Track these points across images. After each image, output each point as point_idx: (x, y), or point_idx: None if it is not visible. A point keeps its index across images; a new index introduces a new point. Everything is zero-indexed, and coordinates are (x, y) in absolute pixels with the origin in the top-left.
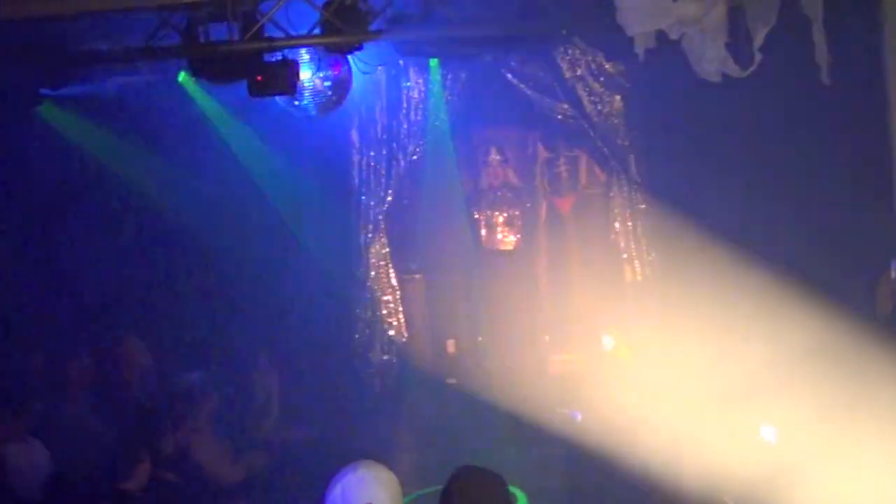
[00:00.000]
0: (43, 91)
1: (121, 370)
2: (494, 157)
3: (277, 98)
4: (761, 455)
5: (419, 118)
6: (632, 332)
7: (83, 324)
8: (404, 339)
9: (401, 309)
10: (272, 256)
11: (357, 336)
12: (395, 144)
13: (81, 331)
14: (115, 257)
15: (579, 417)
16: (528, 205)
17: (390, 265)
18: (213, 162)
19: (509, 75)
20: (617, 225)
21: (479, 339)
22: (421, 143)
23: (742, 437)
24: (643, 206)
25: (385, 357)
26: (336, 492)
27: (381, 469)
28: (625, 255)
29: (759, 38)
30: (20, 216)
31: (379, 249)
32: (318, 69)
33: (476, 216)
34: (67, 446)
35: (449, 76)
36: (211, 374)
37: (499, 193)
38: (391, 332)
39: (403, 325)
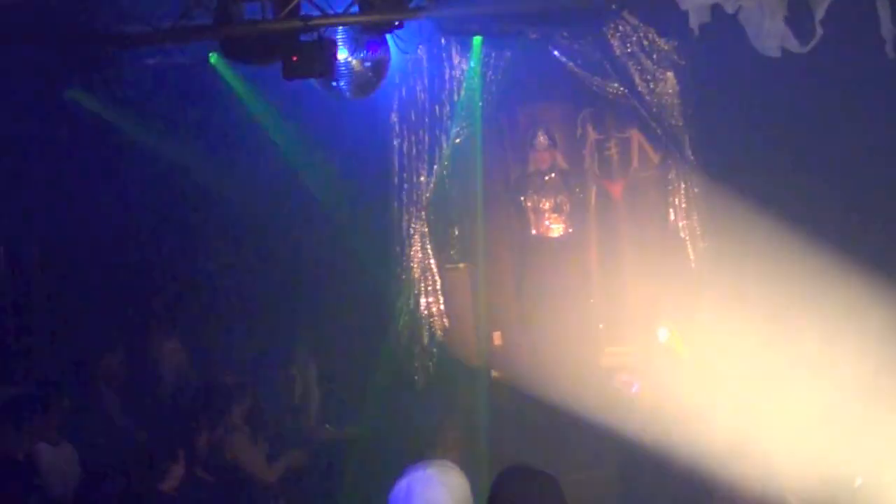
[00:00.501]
0: (73, 76)
1: (155, 366)
2: (542, 139)
3: (313, 80)
4: (826, 452)
5: (462, 99)
6: (688, 323)
7: (116, 317)
8: (448, 332)
9: (443, 300)
10: (309, 246)
11: (398, 328)
12: (437, 128)
13: (114, 324)
14: (149, 249)
15: (637, 388)
16: (577, 189)
17: (432, 254)
18: (247, 149)
19: (556, 52)
20: (671, 209)
21: (528, 330)
22: (464, 125)
23: (807, 433)
24: (698, 189)
25: (427, 350)
26: (402, 485)
27: (451, 472)
28: (680, 241)
29: (820, 11)
30: (57, 206)
31: (420, 238)
32: (356, 49)
33: (523, 202)
34: (97, 445)
35: (493, 55)
36: (247, 371)
37: (546, 178)
38: (434, 324)
39: (446, 316)
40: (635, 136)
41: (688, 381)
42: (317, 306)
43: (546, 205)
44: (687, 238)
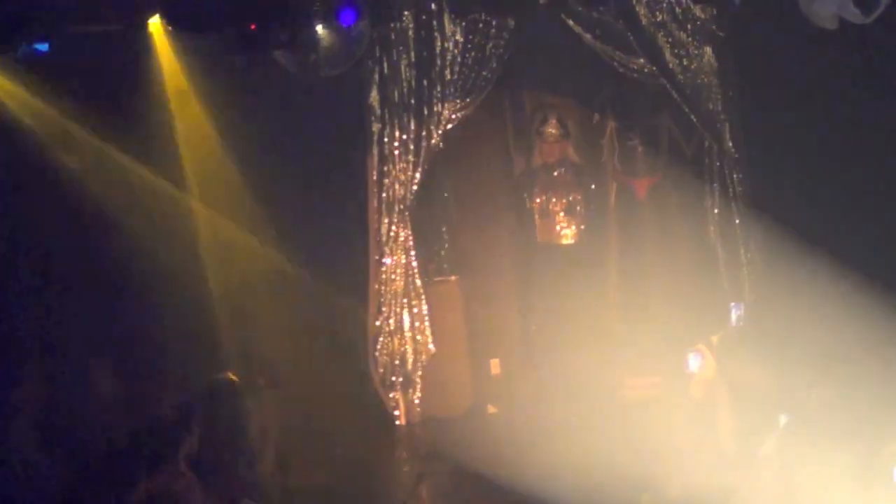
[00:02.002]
0: None
1: (80, 400)
2: (551, 127)
3: (276, 53)
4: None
5: (456, 78)
6: (727, 350)
7: (33, 342)
8: (435, 358)
9: (430, 320)
10: (263, 255)
11: (375, 354)
12: (425, 111)
13: (30, 350)
14: (74, 260)
15: (697, 364)
16: (594, 187)
17: (417, 265)
18: (184, 140)
19: (570, 22)
20: (707, 212)
21: (532, 357)
22: (458, 109)
23: (874, 482)
24: (741, 188)
25: (410, 380)
26: None
27: None
28: (718, 251)
29: None
30: None
31: (403, 245)
32: (328, 15)
33: (528, 202)
34: (9, 491)
35: (494, 24)
36: (194, 405)
37: (556, 173)
38: (418, 350)
39: (433, 340)
40: (665, 123)
41: (726, 421)
42: (275, 327)
43: (556, 206)
44: (729, 247)
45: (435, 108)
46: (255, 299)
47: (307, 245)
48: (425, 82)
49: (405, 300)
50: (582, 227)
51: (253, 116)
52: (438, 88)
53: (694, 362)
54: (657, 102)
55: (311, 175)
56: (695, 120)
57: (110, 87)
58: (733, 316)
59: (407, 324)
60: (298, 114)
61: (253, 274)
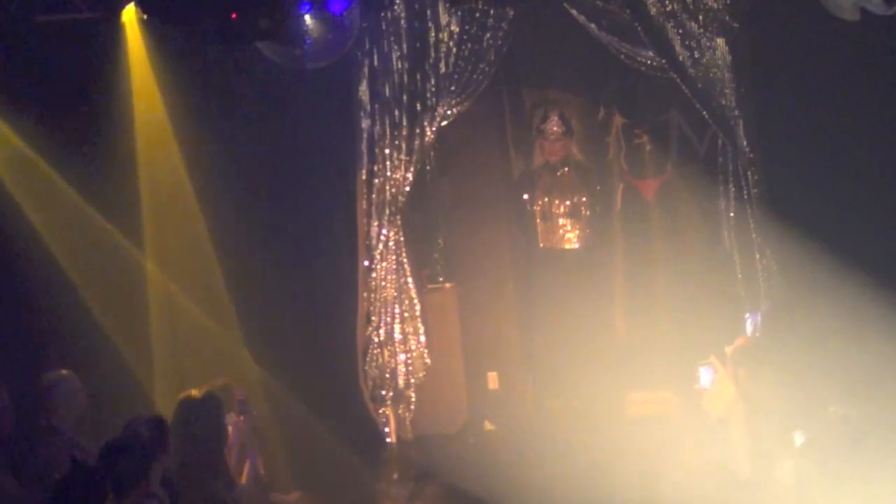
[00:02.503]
0: None
1: (47, 414)
2: (553, 124)
3: (259, 44)
4: None
5: (451, 71)
6: (741, 363)
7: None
8: (429, 372)
9: (423, 330)
10: (245, 260)
11: (364, 367)
12: (418, 106)
13: None
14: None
15: (709, 378)
16: (599, 189)
17: (410, 271)
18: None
19: (574, 11)
20: (721, 215)
21: (532, 370)
22: (454, 104)
23: None
24: (756, 189)
25: (402, 395)
26: None
27: None
28: (732, 257)
29: None
30: None
31: (394, 250)
32: (316, 3)
33: (529, 205)
34: None
35: (492, 13)
36: (169, 422)
37: (559, 174)
38: (411, 362)
39: (427, 352)
40: (675, 120)
41: (740, 441)
42: (258, 337)
43: (558, 208)
44: (743, 252)
45: (429, 104)
46: (236, 304)
47: (291, 250)
48: (418, 76)
49: (397, 309)
50: (586, 231)
51: (232, 113)
52: (432, 82)
53: (706, 376)
54: (666, 98)
55: (296, 175)
56: (707, 116)
57: (71, 95)
58: (749, 326)
59: (398, 335)
60: (282, 109)
61: (234, 275)
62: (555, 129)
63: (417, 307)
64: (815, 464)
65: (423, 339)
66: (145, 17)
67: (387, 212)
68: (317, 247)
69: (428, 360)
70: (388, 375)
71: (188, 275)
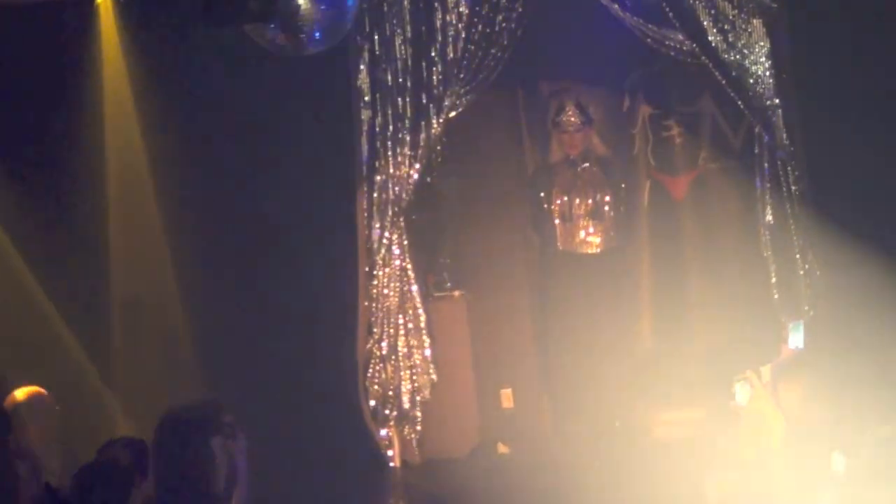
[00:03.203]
0: None
1: (16, 435)
2: (572, 113)
3: (247, 28)
4: None
5: (460, 57)
6: (781, 378)
7: None
8: (436, 389)
9: (430, 343)
10: (232, 267)
11: (365, 384)
12: (424, 96)
13: None
14: None
15: (746, 396)
16: (624, 186)
17: (413, 278)
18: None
19: None
20: (758, 216)
21: (551, 387)
22: (463, 94)
23: None
24: (798, 187)
25: (407, 415)
26: None
27: None
28: (770, 262)
29: None
30: None
31: (397, 254)
32: None
33: (546, 204)
34: None
35: None
36: (144, 443)
37: (579, 169)
38: (416, 379)
39: (433, 367)
40: (707, 110)
41: (778, 466)
42: (246, 349)
43: (579, 208)
44: (783, 256)
45: (435, 93)
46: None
47: (282, 255)
48: (424, 62)
49: (400, 319)
50: (609, 233)
51: (216, 105)
52: (439, 69)
53: (742, 394)
54: (697, 86)
55: (288, 173)
56: (742, 106)
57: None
58: (790, 338)
59: (402, 348)
60: (272, 101)
61: (216, 282)
62: (572, 119)
63: (423, 317)
64: (860, 490)
65: (428, 352)
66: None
67: (389, 212)
68: (311, 251)
69: (434, 376)
70: (391, 393)
71: (156, 278)
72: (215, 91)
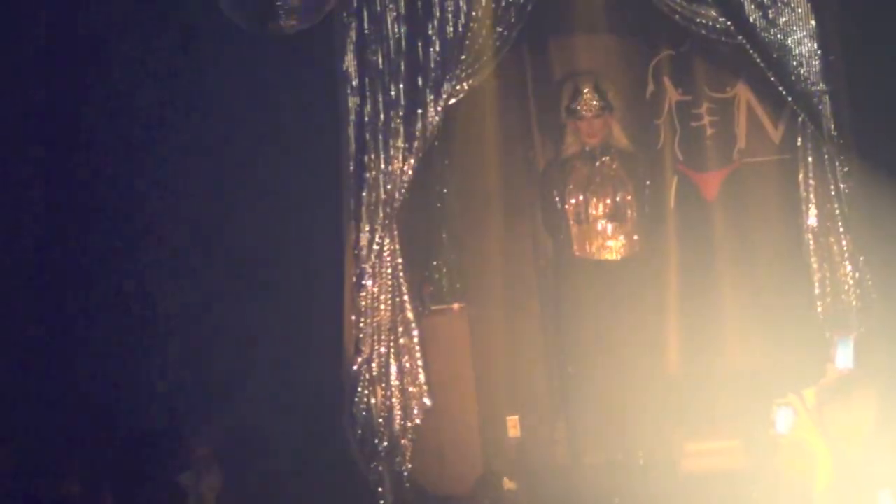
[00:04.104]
0: None
1: None
2: (588, 98)
3: (221, 2)
4: None
5: (461, 35)
6: (828, 403)
7: None
8: (431, 415)
9: (424, 363)
10: (200, 275)
11: (352, 410)
12: (419, 81)
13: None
14: None
15: (787, 423)
16: (648, 184)
17: (408, 288)
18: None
19: None
20: (801, 217)
21: (563, 413)
22: (464, 78)
23: None
24: (846, 185)
25: (398, 446)
26: None
27: None
28: (815, 270)
29: None
30: None
31: (389, 261)
32: None
33: (559, 204)
34: None
35: None
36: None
37: (598, 164)
38: (410, 403)
39: (428, 390)
40: (743, 97)
41: (823, 502)
42: (222, 370)
43: (596, 208)
44: (832, 264)
45: (432, 77)
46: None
47: (259, 263)
48: (419, 42)
49: (392, 336)
50: (632, 237)
51: (188, 90)
52: (437, 50)
53: (783, 421)
54: (733, 69)
55: (265, 169)
56: (784, 92)
57: None
58: (837, 357)
59: (394, 368)
60: (246, 87)
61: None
62: (589, 103)
63: (418, 334)
64: None
65: (423, 375)
66: None
67: (381, 214)
68: (291, 258)
69: (430, 402)
70: (381, 421)
71: None
72: (181, 76)
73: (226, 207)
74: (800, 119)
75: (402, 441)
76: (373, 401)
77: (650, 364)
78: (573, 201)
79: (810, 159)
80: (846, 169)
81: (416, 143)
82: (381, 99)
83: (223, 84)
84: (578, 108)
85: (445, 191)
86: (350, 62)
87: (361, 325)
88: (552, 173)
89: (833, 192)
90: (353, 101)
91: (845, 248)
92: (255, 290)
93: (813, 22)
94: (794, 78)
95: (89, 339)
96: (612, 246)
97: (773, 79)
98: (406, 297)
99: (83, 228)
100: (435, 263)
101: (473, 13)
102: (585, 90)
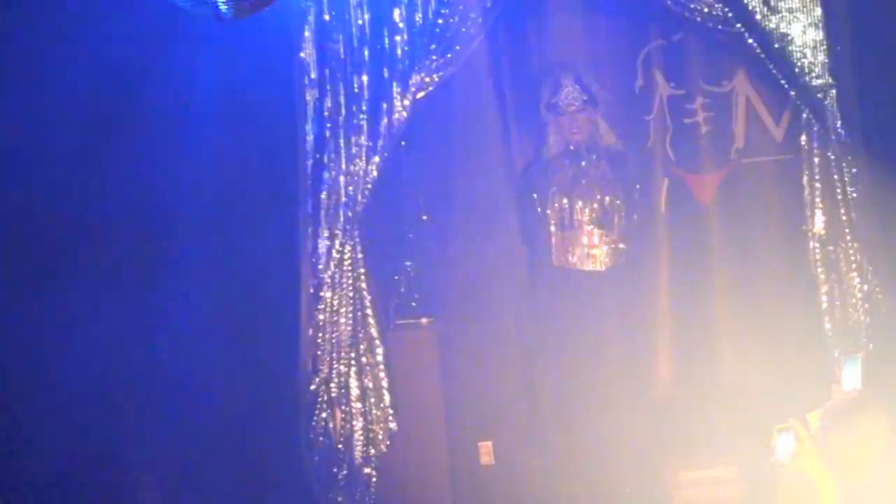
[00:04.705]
0: None
1: None
2: (570, 93)
3: None
4: None
5: (431, 22)
6: (832, 428)
7: None
8: (396, 441)
9: (388, 383)
10: (140, 288)
11: (309, 435)
12: (385, 72)
13: None
14: None
15: (788, 449)
16: (638, 186)
17: (369, 301)
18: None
19: None
20: (805, 224)
21: (542, 438)
22: (434, 68)
23: None
24: (855, 189)
25: (358, 475)
26: None
27: None
28: (820, 281)
29: None
30: None
31: (351, 271)
32: None
33: (540, 208)
34: None
35: None
36: None
37: (583, 164)
38: (372, 428)
39: (392, 413)
40: (742, 91)
41: None
42: (163, 393)
43: (581, 213)
44: (838, 274)
45: (399, 68)
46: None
47: (205, 272)
48: (385, 29)
49: (353, 353)
50: (619, 245)
51: (123, 82)
52: (405, 38)
53: (784, 447)
54: (730, 60)
55: (213, 169)
56: (786, 86)
57: None
58: (844, 377)
59: (355, 389)
60: (192, 78)
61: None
62: (573, 97)
63: (381, 351)
64: None
65: (387, 397)
66: None
67: (341, 218)
68: (240, 268)
69: (395, 426)
70: (340, 447)
71: None
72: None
73: (167, 209)
74: (804, 115)
75: (364, 469)
76: (331, 425)
77: (638, 385)
78: (555, 205)
79: (816, 160)
80: (854, 171)
81: (380, 141)
82: (342, 91)
83: (173, 77)
84: (559, 103)
85: (413, 194)
86: (308, 51)
87: (319, 340)
88: (532, 174)
89: (840, 197)
90: (311, 94)
91: (853, 258)
92: (202, 303)
93: (819, 9)
94: (797, 70)
95: None
96: (597, 255)
97: (774, 71)
98: (369, 311)
99: None
100: (401, 273)
101: (445, 1)
102: (566, 83)
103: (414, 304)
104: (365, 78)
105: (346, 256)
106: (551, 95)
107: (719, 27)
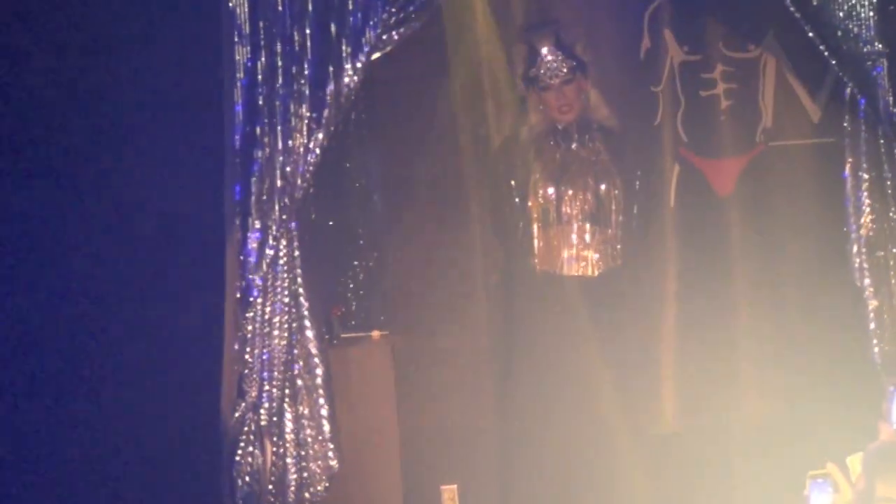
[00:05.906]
0: None
1: None
2: (552, 61)
3: None
4: None
5: None
6: (880, 472)
7: None
8: (338, 482)
9: (329, 411)
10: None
11: (232, 472)
12: (332, 26)
13: None
14: None
15: (825, 498)
16: (639, 172)
17: (308, 310)
18: None
19: None
20: (846, 221)
21: (519, 473)
22: (392, 25)
23: None
24: None
25: None
26: None
27: None
28: (867, 295)
29: None
30: None
31: (287, 273)
32: None
33: (517, 198)
34: None
35: None
36: None
37: (573, 145)
38: (308, 466)
39: (334, 448)
40: (771, 58)
41: None
42: (50, 413)
43: (570, 205)
44: (877, 290)
45: (349, 22)
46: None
47: (113, 271)
48: None
49: (288, 373)
50: (616, 245)
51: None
52: None
53: (819, 497)
54: (759, 19)
55: (124, 145)
56: (826, 54)
57: None
58: (892, 412)
59: (289, 417)
60: (116, 46)
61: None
62: (555, 62)
63: (322, 371)
64: None
65: (328, 427)
66: None
67: (276, 208)
68: (154, 266)
69: (335, 464)
70: (270, 487)
71: None
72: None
73: (72, 195)
74: (847, 90)
75: None
76: (260, 460)
77: (636, 418)
78: (539, 195)
79: (861, 145)
80: None
81: (325, 112)
82: (279, 50)
83: (72, 37)
84: (539, 74)
85: (364, 179)
86: (241, 14)
87: (247, 357)
88: (509, 156)
89: (891, 191)
90: (241, 53)
91: None
92: (108, 310)
93: None
94: (840, 34)
95: None
96: (590, 257)
97: (811, 34)
98: (307, 322)
99: None
100: (348, 276)
101: None
102: (544, 50)
103: (363, 314)
104: (307, 33)
105: (281, 254)
106: (527, 66)
107: None
